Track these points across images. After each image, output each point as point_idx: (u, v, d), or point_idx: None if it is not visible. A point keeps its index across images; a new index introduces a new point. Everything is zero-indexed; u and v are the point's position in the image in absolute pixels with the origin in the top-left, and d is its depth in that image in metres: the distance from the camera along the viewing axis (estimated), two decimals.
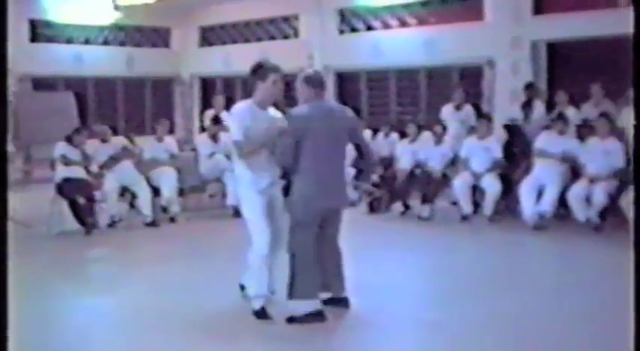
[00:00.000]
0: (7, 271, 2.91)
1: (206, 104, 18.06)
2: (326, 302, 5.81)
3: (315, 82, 5.76)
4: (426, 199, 10.37)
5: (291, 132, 5.54)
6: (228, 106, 13.94)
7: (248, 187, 5.71)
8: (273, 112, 5.85)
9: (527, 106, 11.23)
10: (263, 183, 5.71)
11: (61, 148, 9.91)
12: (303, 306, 5.60)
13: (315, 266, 5.68)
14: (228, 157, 11.02)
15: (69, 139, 9.99)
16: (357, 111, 10.79)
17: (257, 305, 5.76)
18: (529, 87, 11.55)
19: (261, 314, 5.74)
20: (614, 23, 11.09)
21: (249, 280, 5.90)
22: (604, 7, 11.49)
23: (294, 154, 5.55)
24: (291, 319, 5.61)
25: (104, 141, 10.38)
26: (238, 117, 5.61)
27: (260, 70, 5.73)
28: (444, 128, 10.72)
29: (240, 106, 5.70)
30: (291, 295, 5.63)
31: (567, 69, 12.36)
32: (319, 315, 5.63)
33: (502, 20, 12.84)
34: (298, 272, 5.63)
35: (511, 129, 10.77)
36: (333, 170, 5.81)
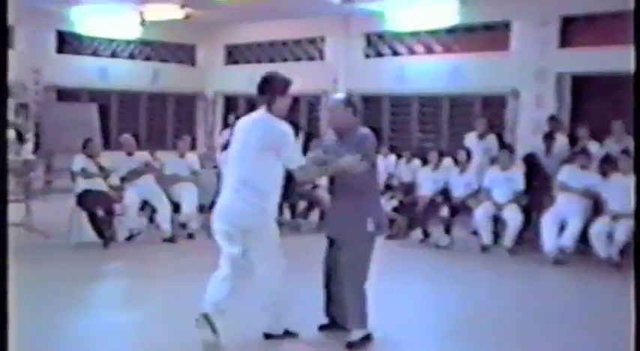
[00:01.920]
0: (7, 274, 2.89)
1: (229, 122, 18.13)
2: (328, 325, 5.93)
3: (356, 108, 5.77)
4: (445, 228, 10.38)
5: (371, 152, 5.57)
6: None
7: (272, 217, 5.58)
8: None
9: (549, 138, 11.18)
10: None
11: (80, 161, 9.96)
12: (362, 332, 5.64)
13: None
14: None
15: (85, 152, 10.04)
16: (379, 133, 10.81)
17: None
18: (552, 119, 11.52)
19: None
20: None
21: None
22: (630, 43, 11.45)
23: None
24: (350, 345, 5.58)
25: (129, 154, 10.41)
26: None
27: (280, 83, 5.47)
28: (469, 156, 10.66)
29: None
30: (362, 324, 5.65)
31: (591, 103, 12.32)
32: (369, 338, 5.69)
33: (528, 51, 12.83)
34: (363, 301, 5.65)
35: (530, 161, 10.72)
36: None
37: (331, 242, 5.81)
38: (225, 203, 5.43)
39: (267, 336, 5.72)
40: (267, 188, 5.35)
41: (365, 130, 5.67)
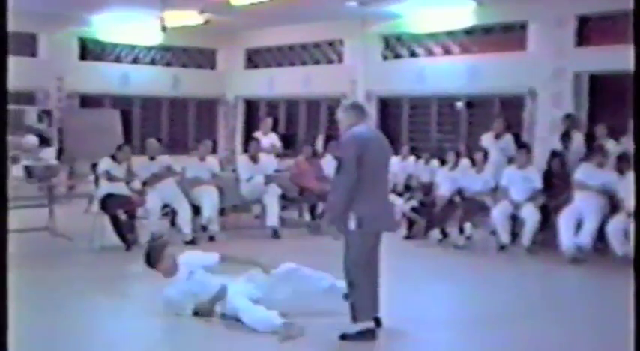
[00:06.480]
0: (6, 274, 2.99)
1: (250, 125, 18.24)
2: None
3: (360, 108, 6.00)
4: (463, 227, 10.42)
5: (355, 149, 5.66)
6: (273, 128, 14.21)
7: None
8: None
9: (565, 137, 11.23)
10: None
11: (105, 164, 10.10)
12: (360, 326, 5.73)
13: (373, 287, 5.82)
14: (268, 178, 11.20)
15: (113, 156, 10.19)
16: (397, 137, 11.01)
17: None
18: (568, 117, 11.54)
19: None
20: None
21: None
22: None
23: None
24: (344, 336, 5.72)
25: (152, 158, 10.58)
26: None
27: None
28: (486, 156, 10.74)
29: None
30: (355, 318, 5.73)
31: (609, 101, 12.33)
32: (371, 332, 5.76)
33: (545, 51, 12.85)
34: (361, 295, 5.74)
35: (556, 155, 10.72)
36: (386, 192, 6.14)
37: None
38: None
39: None
40: None
41: (348, 133, 5.85)
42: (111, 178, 9.99)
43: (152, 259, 6.57)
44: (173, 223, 10.67)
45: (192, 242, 10.27)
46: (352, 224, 5.64)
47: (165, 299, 6.46)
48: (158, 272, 6.58)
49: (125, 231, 9.87)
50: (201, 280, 6.47)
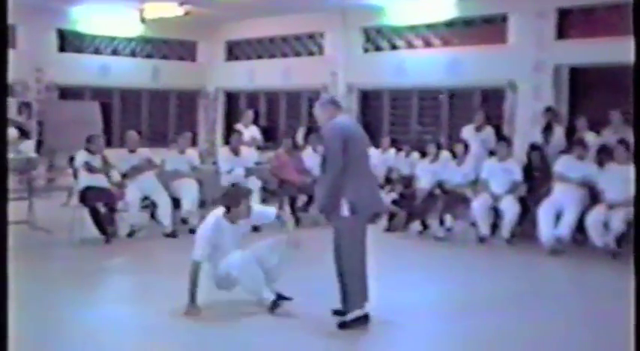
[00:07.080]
0: (6, 272, 2.96)
1: (230, 117, 18.19)
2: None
3: (336, 103, 6.17)
4: (443, 219, 10.43)
5: (339, 139, 5.73)
6: (254, 120, 14.12)
7: None
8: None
9: (547, 129, 11.26)
10: None
11: (81, 156, 10.04)
12: (356, 313, 5.86)
13: (363, 274, 5.93)
14: (248, 170, 11.18)
15: (88, 148, 10.11)
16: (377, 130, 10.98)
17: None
18: (548, 110, 11.59)
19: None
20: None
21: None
22: (628, 34, 11.50)
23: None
24: (342, 325, 5.83)
25: (132, 151, 10.52)
26: None
27: None
28: (467, 148, 10.76)
29: None
30: (349, 306, 5.86)
31: (589, 94, 12.38)
32: (365, 318, 5.92)
33: (525, 43, 12.88)
34: (355, 282, 5.87)
35: (535, 149, 10.75)
36: (373, 176, 6.33)
37: None
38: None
39: None
40: None
41: (330, 123, 5.94)
42: (91, 169, 9.92)
43: (233, 199, 6.58)
44: (153, 216, 10.61)
45: (172, 235, 10.24)
46: (345, 210, 5.70)
47: (204, 230, 6.53)
48: (229, 213, 6.58)
49: (105, 224, 9.82)
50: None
